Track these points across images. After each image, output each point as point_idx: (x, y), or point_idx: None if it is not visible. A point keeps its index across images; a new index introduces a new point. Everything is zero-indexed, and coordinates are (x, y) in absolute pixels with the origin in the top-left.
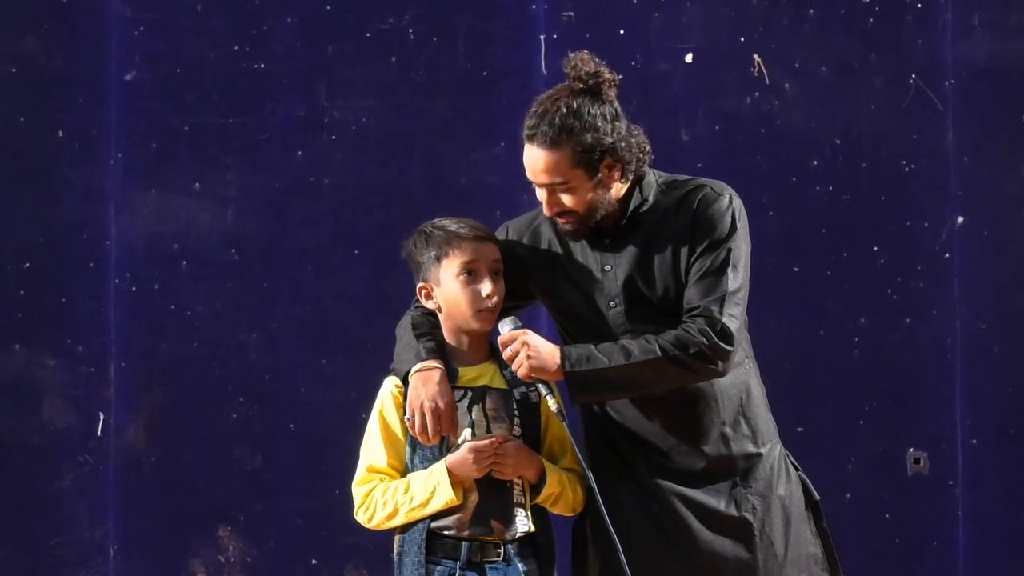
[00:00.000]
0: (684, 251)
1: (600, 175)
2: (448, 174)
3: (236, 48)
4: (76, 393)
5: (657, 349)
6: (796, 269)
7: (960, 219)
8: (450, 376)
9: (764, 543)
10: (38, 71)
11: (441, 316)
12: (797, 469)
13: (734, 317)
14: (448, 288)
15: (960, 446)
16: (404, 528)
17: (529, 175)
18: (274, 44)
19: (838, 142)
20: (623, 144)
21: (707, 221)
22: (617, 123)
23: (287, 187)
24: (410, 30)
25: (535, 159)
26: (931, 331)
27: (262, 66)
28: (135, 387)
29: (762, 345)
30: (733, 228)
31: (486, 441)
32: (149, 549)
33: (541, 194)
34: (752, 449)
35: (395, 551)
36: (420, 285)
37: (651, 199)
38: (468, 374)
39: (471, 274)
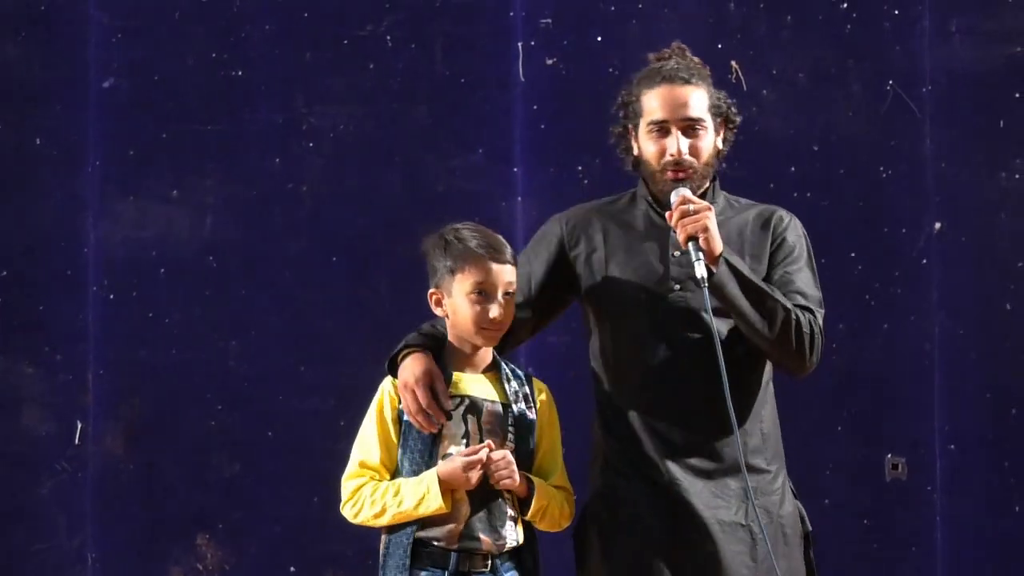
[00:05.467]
0: (763, 259)
1: (719, 126)
2: (426, 181)
3: (214, 55)
4: (54, 401)
5: (790, 306)
6: None
7: (938, 225)
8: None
9: (766, 555)
10: (16, 78)
11: (448, 323)
12: (796, 498)
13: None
14: (457, 302)
15: (938, 452)
16: (391, 529)
17: (664, 113)
18: (252, 51)
19: (816, 149)
20: (736, 112)
21: (787, 239)
22: None
23: (265, 194)
24: (388, 37)
25: (678, 94)
26: (909, 337)
27: (240, 73)
28: (113, 395)
29: None
30: (809, 252)
31: (473, 448)
32: (127, 557)
33: (668, 140)
34: (764, 466)
35: (381, 551)
36: (431, 291)
37: (721, 203)
38: (465, 380)
39: (482, 294)
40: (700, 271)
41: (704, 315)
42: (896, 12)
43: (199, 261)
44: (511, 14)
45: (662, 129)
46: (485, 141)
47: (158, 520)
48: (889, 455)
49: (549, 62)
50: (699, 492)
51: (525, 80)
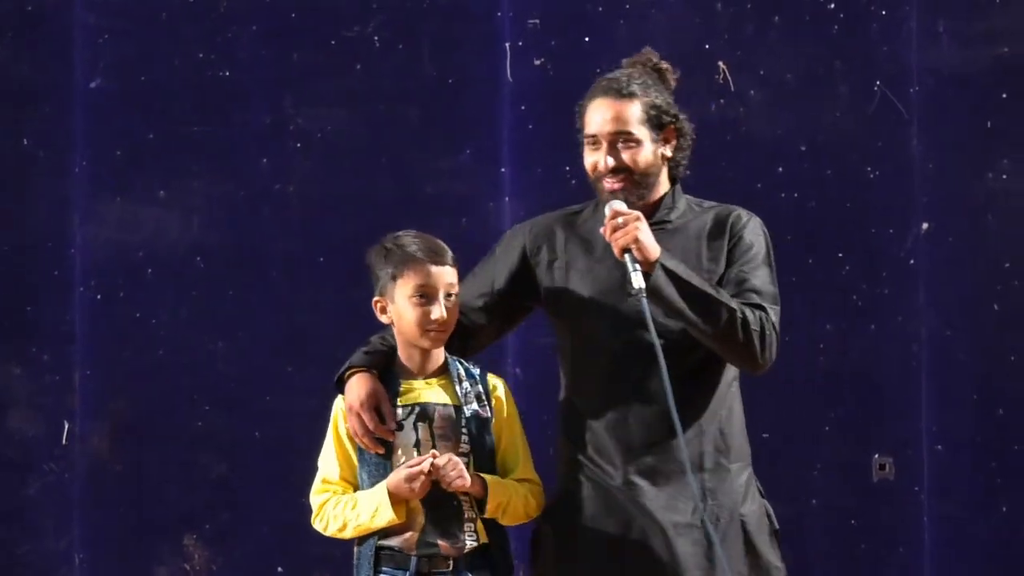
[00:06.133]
0: (721, 259)
1: (662, 138)
2: (414, 182)
3: (201, 56)
4: (41, 401)
5: (735, 305)
6: None
7: (925, 226)
8: (391, 389)
9: (724, 554)
10: (3, 79)
11: (395, 330)
12: (763, 496)
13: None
14: (400, 306)
15: (926, 452)
16: (360, 541)
17: (593, 128)
18: (240, 52)
19: (803, 149)
20: (685, 119)
21: (744, 237)
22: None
23: (253, 195)
24: (376, 38)
25: (605, 108)
26: (897, 338)
27: (228, 74)
28: (100, 395)
29: None
30: (768, 250)
31: (416, 460)
32: (115, 558)
33: (598, 154)
34: (725, 464)
35: (354, 561)
36: (376, 299)
37: (681, 207)
38: (415, 388)
39: (423, 296)
40: (637, 281)
41: (659, 321)
42: (883, 13)
43: (186, 262)
44: (499, 15)
45: (594, 143)
46: (473, 142)
47: (145, 520)
48: (876, 455)
49: (537, 63)
50: (655, 495)
51: (513, 81)
